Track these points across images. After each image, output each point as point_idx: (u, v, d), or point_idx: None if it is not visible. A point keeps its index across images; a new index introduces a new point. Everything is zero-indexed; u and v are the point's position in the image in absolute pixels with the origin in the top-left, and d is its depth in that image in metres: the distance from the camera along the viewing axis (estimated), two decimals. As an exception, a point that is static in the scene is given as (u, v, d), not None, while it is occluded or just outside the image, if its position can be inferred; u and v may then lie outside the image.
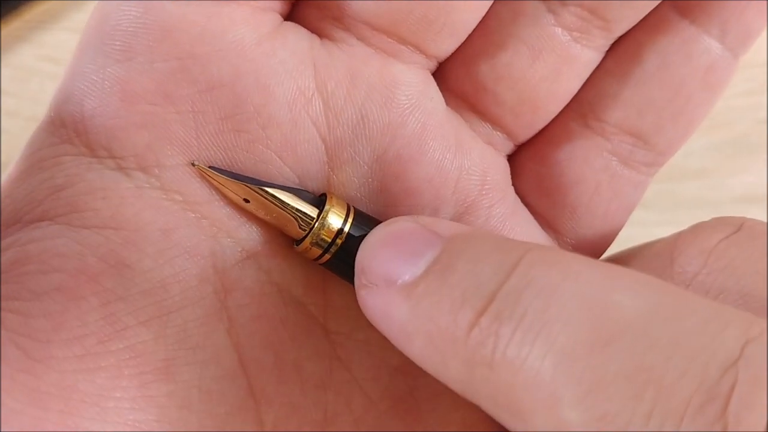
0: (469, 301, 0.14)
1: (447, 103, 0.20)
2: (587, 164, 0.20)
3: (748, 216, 0.18)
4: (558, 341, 0.13)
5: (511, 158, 0.21)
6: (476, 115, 0.20)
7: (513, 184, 0.21)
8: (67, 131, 0.18)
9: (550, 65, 0.20)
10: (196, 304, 0.18)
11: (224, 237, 0.18)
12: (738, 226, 0.18)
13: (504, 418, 0.14)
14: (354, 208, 0.18)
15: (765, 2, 0.19)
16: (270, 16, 0.18)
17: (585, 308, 0.14)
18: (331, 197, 0.18)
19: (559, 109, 0.20)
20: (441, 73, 0.20)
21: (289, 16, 0.19)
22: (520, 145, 0.21)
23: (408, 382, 0.19)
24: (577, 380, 0.13)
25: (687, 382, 0.13)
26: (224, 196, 0.18)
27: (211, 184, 0.18)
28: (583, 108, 0.20)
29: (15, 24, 0.38)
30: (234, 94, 0.18)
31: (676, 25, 0.20)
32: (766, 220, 0.18)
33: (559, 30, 0.19)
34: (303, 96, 0.18)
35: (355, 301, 0.17)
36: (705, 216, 0.19)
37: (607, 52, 0.20)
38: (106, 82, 0.18)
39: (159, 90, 0.18)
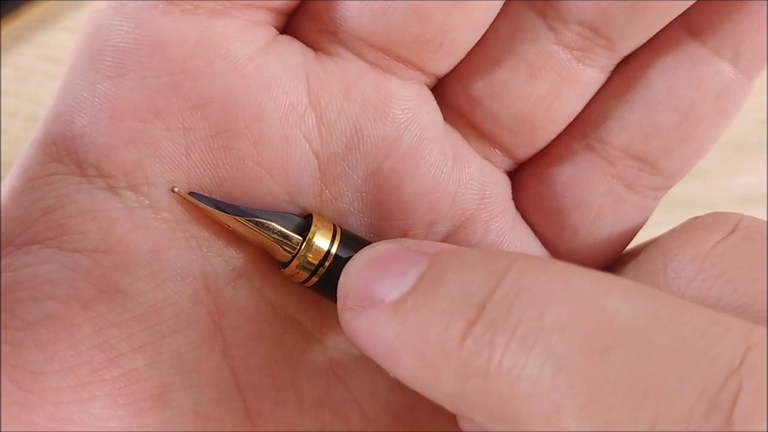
0: (460, 311, 0.14)
1: (444, 119, 0.19)
2: (590, 187, 0.20)
3: (748, 216, 0.18)
4: (555, 350, 0.13)
5: (512, 174, 0.21)
6: (473, 131, 0.20)
7: (513, 201, 0.20)
8: (57, 149, 0.17)
9: (549, 84, 0.19)
10: (189, 327, 0.17)
11: (215, 256, 0.18)
12: (733, 226, 0.17)
13: (495, 429, 0.14)
14: (341, 228, 0.18)
15: None
16: (264, 30, 0.18)
17: (581, 315, 0.13)
18: (317, 218, 0.18)
19: (560, 130, 0.20)
20: (438, 87, 0.19)
21: (285, 28, 0.19)
22: (520, 162, 0.20)
23: (406, 398, 0.19)
24: (577, 389, 0.13)
25: (689, 389, 0.12)
26: (210, 219, 0.18)
27: (194, 209, 0.18)
28: (586, 129, 0.20)
29: (15, 24, 0.38)
30: (225, 110, 0.17)
31: (687, 46, 0.19)
32: (766, 221, 0.18)
33: (559, 48, 0.19)
34: (295, 111, 0.18)
35: None
36: (705, 217, 0.18)
37: (614, 71, 0.19)
38: (96, 99, 0.17)
39: (149, 106, 0.17)
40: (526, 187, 0.20)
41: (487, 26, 0.19)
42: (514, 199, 0.20)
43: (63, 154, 0.17)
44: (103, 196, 0.17)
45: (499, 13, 0.18)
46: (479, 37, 0.19)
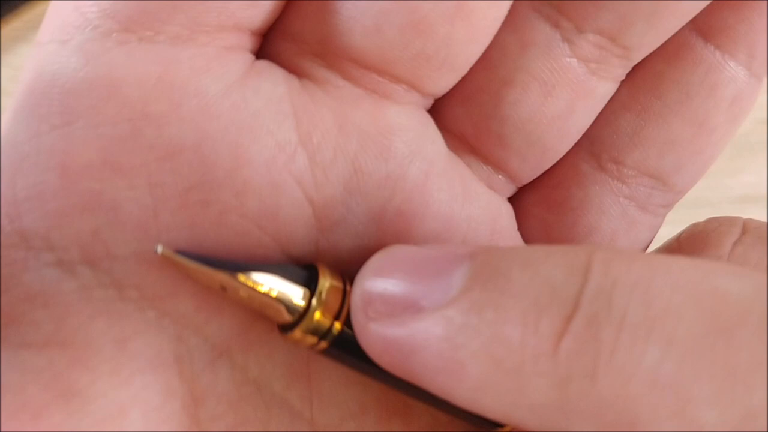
0: (549, 308, 0.12)
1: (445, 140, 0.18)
2: (602, 212, 0.18)
3: (748, 216, 0.18)
4: (676, 336, 0.12)
5: (514, 201, 0.19)
6: (477, 157, 0.18)
7: (518, 231, 0.19)
8: None
9: (564, 102, 0.17)
10: (162, 426, 0.15)
11: (191, 335, 0.15)
12: (741, 227, 0.17)
13: None
14: (351, 280, 0.15)
15: None
16: (238, 58, 0.16)
17: (693, 298, 0.12)
18: (324, 272, 0.15)
19: (569, 148, 0.18)
20: (436, 110, 0.17)
21: (261, 50, 0.16)
22: (522, 186, 0.19)
23: None
24: (708, 376, 0.12)
25: None
26: (198, 283, 0.15)
27: (181, 272, 0.15)
28: (596, 148, 0.18)
29: (15, 24, 0.38)
30: (199, 158, 0.15)
31: (700, 52, 0.17)
32: (766, 221, 0.18)
33: (575, 61, 0.17)
34: (283, 152, 0.15)
35: (345, 384, 0.16)
36: (705, 216, 0.18)
37: (622, 83, 0.18)
38: (42, 155, 0.14)
39: (106, 161, 0.15)
40: (531, 215, 0.19)
41: (492, 37, 0.17)
42: (519, 228, 0.19)
43: (5, 223, 0.15)
44: (54, 275, 0.15)
45: (505, 26, 0.17)
46: (483, 51, 0.17)
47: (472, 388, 0.13)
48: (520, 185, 0.19)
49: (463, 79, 0.17)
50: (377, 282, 0.14)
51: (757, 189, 0.34)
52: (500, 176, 0.18)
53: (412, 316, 0.13)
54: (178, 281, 0.15)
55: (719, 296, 0.12)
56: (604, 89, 0.18)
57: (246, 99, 0.15)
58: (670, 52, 0.18)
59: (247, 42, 0.16)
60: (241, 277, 0.15)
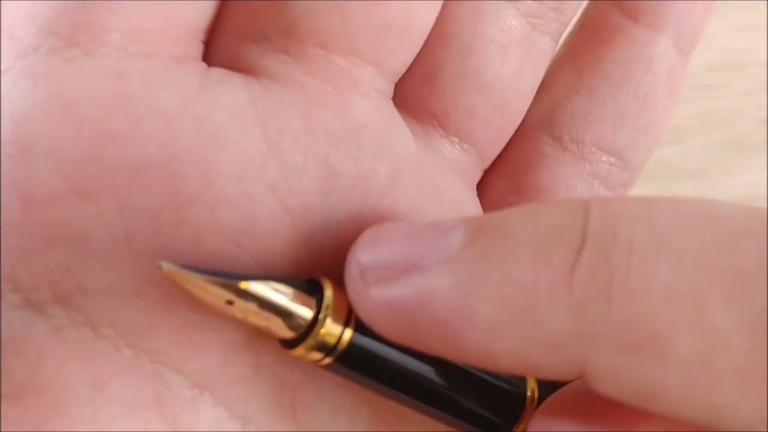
0: (558, 244, 0.12)
1: (411, 128, 0.18)
2: (572, 191, 0.19)
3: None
4: (684, 250, 0.12)
5: (487, 191, 0.19)
6: (446, 134, 0.18)
7: None
8: None
9: (517, 60, 0.18)
10: None
11: (170, 373, 0.15)
12: None
13: (627, 362, 0.12)
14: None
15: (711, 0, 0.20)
16: (190, 68, 0.15)
17: (693, 219, 0.13)
18: (327, 283, 0.15)
19: (525, 110, 0.19)
20: (400, 96, 0.17)
21: (214, 56, 0.16)
22: (489, 170, 0.19)
23: None
24: (721, 282, 0.12)
25: None
26: (200, 302, 0.14)
27: (185, 289, 0.14)
28: (555, 131, 0.19)
29: None
30: (167, 175, 0.14)
31: (633, 32, 0.19)
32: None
33: (520, 20, 0.18)
34: (253, 162, 0.15)
35: (332, 417, 0.15)
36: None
37: (566, 68, 0.19)
38: (1, 189, 0.14)
39: (71, 188, 0.14)
40: (506, 203, 0.19)
41: (440, 5, 0.17)
42: None
43: None
44: (24, 318, 0.14)
45: (454, 1, 0.18)
46: (434, 19, 0.17)
47: (485, 332, 0.13)
48: (486, 162, 0.19)
49: (424, 57, 0.17)
50: (373, 251, 0.14)
51: (757, 189, 0.34)
52: (468, 155, 0.18)
53: (416, 274, 0.13)
54: (154, 315, 0.14)
55: (717, 218, 0.13)
56: (544, 45, 0.19)
57: (207, 111, 0.15)
58: (605, 36, 0.19)
59: (195, 50, 0.15)
60: (253, 287, 0.14)
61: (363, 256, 0.14)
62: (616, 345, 0.12)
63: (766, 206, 0.33)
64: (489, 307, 0.12)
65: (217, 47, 0.16)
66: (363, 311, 0.14)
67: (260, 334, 0.15)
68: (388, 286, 0.13)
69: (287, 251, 0.15)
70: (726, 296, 0.12)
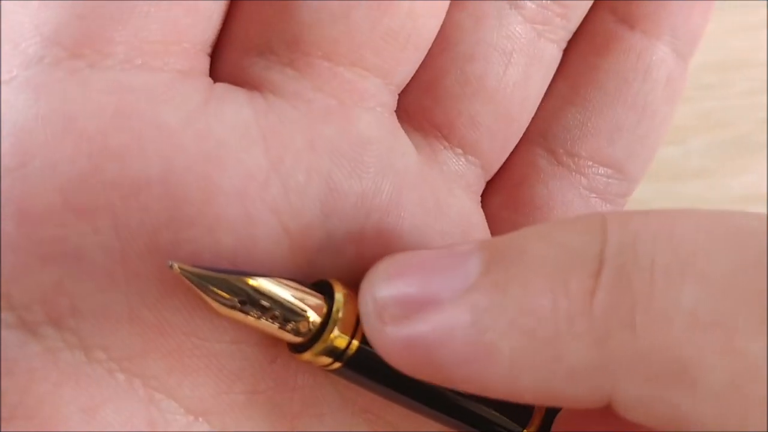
0: (574, 269, 0.12)
1: (414, 140, 0.17)
2: (567, 206, 0.19)
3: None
4: (710, 273, 0.12)
5: (483, 205, 0.19)
6: (450, 145, 0.18)
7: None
8: None
9: (521, 68, 0.18)
10: None
11: (164, 398, 0.14)
12: None
13: (656, 392, 0.12)
14: None
15: (710, 1, 0.19)
16: (195, 83, 0.15)
17: (718, 237, 0.12)
18: (337, 286, 0.15)
19: (530, 119, 0.19)
20: (403, 108, 0.17)
21: (219, 71, 0.16)
22: (490, 182, 0.19)
23: None
24: (749, 307, 0.11)
25: None
26: (210, 303, 0.14)
27: (196, 291, 0.14)
28: (550, 144, 0.19)
29: None
30: (168, 193, 0.14)
31: (629, 40, 0.18)
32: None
33: (525, 26, 0.18)
34: (255, 180, 0.14)
35: None
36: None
37: (560, 78, 0.19)
38: None
39: (68, 204, 0.13)
40: (500, 217, 0.19)
41: (445, 10, 0.17)
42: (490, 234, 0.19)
43: None
44: (15, 338, 0.13)
45: (454, 6, 0.17)
46: (439, 26, 0.17)
47: (506, 368, 0.12)
48: (489, 173, 0.19)
49: (425, 64, 0.17)
50: (388, 286, 0.13)
51: (758, 189, 0.34)
52: (473, 167, 0.18)
53: (433, 310, 0.13)
54: (148, 339, 0.14)
55: (742, 233, 0.12)
56: (550, 53, 0.18)
57: (210, 127, 0.14)
58: (600, 44, 0.18)
59: (202, 63, 0.15)
60: (264, 286, 0.14)
61: (379, 291, 0.13)
62: (642, 375, 0.12)
63: (766, 206, 0.33)
64: (508, 342, 0.12)
65: (222, 59, 0.16)
66: (381, 349, 0.13)
67: (257, 362, 0.15)
68: (406, 324, 0.13)
69: (284, 267, 0.15)
70: (755, 321, 0.11)
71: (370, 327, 0.13)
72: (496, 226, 0.19)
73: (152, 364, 0.14)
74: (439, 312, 0.13)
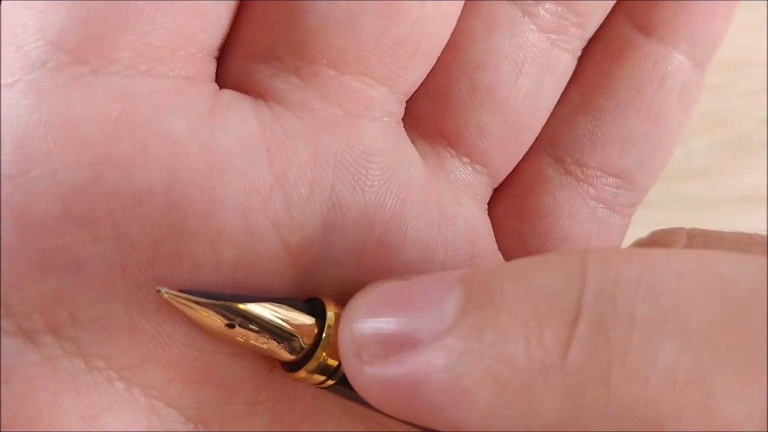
0: (550, 317, 0.12)
1: (421, 148, 0.17)
2: (573, 217, 0.18)
3: (749, 216, 0.18)
4: (691, 327, 0.11)
5: (488, 213, 0.19)
6: (457, 154, 0.17)
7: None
8: None
9: (533, 78, 0.17)
10: None
11: (163, 407, 0.14)
12: (686, 235, 0.17)
13: None
14: None
15: (731, 3, 0.18)
16: (201, 90, 0.14)
17: (701, 287, 0.12)
18: (329, 305, 0.14)
19: (539, 129, 0.18)
20: (410, 115, 0.17)
21: (226, 75, 0.15)
22: (496, 189, 0.19)
23: None
24: (729, 366, 0.11)
25: None
26: (200, 326, 0.14)
27: (183, 314, 0.14)
28: (558, 153, 0.18)
29: None
30: (170, 205, 0.14)
31: (644, 48, 0.18)
32: (767, 221, 0.18)
33: (538, 35, 0.17)
34: (258, 194, 0.14)
35: None
36: (708, 216, 0.19)
37: (573, 86, 0.18)
38: None
39: (68, 213, 0.13)
40: (506, 226, 0.18)
41: (456, 17, 0.16)
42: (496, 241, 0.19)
43: None
44: (15, 346, 0.13)
45: (466, 11, 0.17)
46: (450, 34, 0.16)
47: (481, 417, 0.12)
48: (497, 182, 0.18)
49: (434, 72, 0.17)
50: (367, 323, 0.13)
51: (759, 189, 0.34)
52: (480, 176, 0.18)
53: (410, 352, 0.12)
54: (147, 349, 0.14)
55: (725, 282, 0.12)
56: (565, 62, 0.18)
57: (215, 137, 0.14)
58: (615, 51, 0.18)
59: (208, 68, 0.15)
60: (252, 310, 0.14)
61: (357, 327, 0.13)
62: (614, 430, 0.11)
63: (766, 206, 0.33)
64: (484, 390, 0.12)
65: (228, 64, 0.15)
66: (359, 387, 0.13)
67: (257, 372, 0.15)
68: (383, 365, 0.13)
69: (282, 283, 0.15)
70: (735, 381, 0.11)
71: (347, 365, 0.13)
72: (501, 234, 0.19)
73: (152, 375, 0.14)
74: (416, 354, 0.12)
